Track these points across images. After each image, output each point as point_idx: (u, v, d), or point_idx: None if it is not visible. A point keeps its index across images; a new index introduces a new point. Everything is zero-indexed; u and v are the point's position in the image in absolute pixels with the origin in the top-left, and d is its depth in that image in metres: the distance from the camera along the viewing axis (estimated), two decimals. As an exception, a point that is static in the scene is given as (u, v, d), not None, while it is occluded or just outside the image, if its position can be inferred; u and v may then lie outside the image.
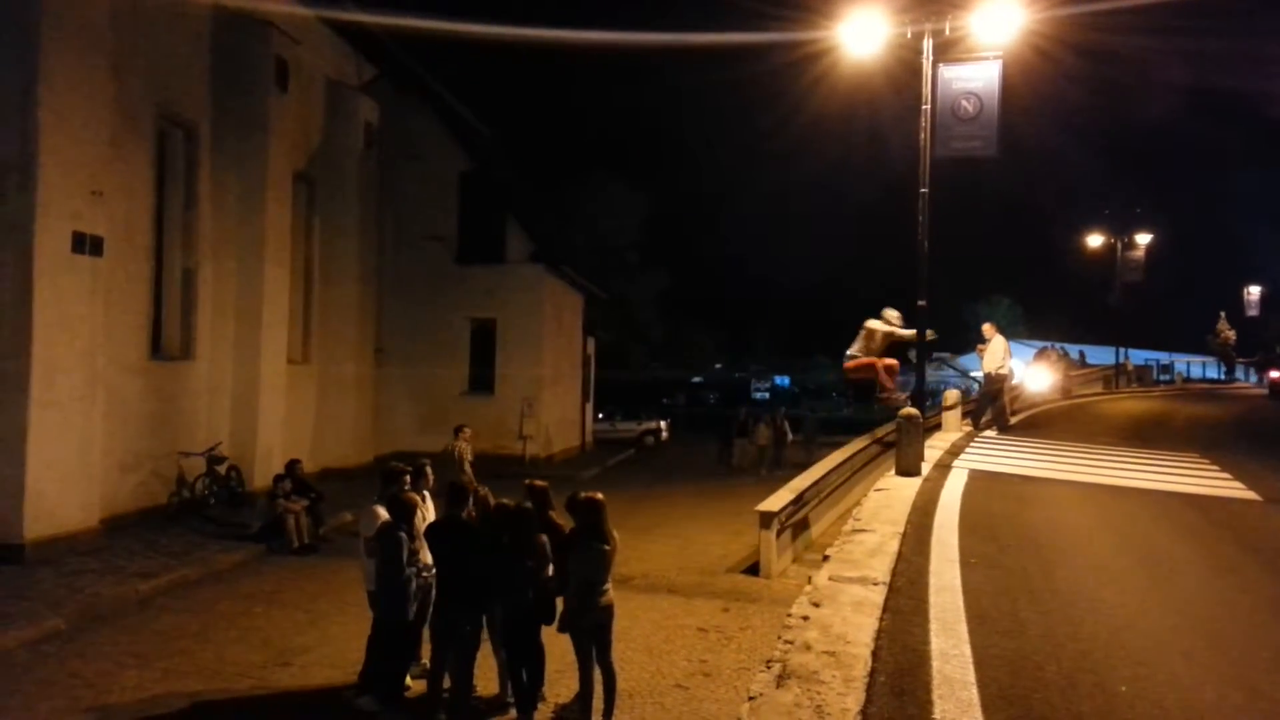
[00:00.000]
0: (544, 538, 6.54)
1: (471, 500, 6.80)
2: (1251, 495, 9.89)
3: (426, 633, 6.73)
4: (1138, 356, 38.97)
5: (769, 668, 3.98)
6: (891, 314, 13.88)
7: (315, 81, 18.05)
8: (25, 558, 10.10)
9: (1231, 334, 42.12)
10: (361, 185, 19.30)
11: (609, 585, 6.47)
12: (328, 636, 8.32)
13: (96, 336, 11.38)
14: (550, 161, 37.88)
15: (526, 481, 7.27)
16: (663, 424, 30.76)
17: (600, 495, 6.77)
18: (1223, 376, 41.62)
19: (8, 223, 10.42)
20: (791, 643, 4.27)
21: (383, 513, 6.80)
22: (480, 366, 21.47)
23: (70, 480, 10.89)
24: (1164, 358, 42.93)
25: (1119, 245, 33.13)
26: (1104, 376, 32.05)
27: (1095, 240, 34.10)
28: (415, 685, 6.80)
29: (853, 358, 14.12)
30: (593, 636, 6.41)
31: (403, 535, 6.51)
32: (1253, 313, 46.48)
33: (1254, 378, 41.24)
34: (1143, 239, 33.32)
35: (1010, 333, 17.57)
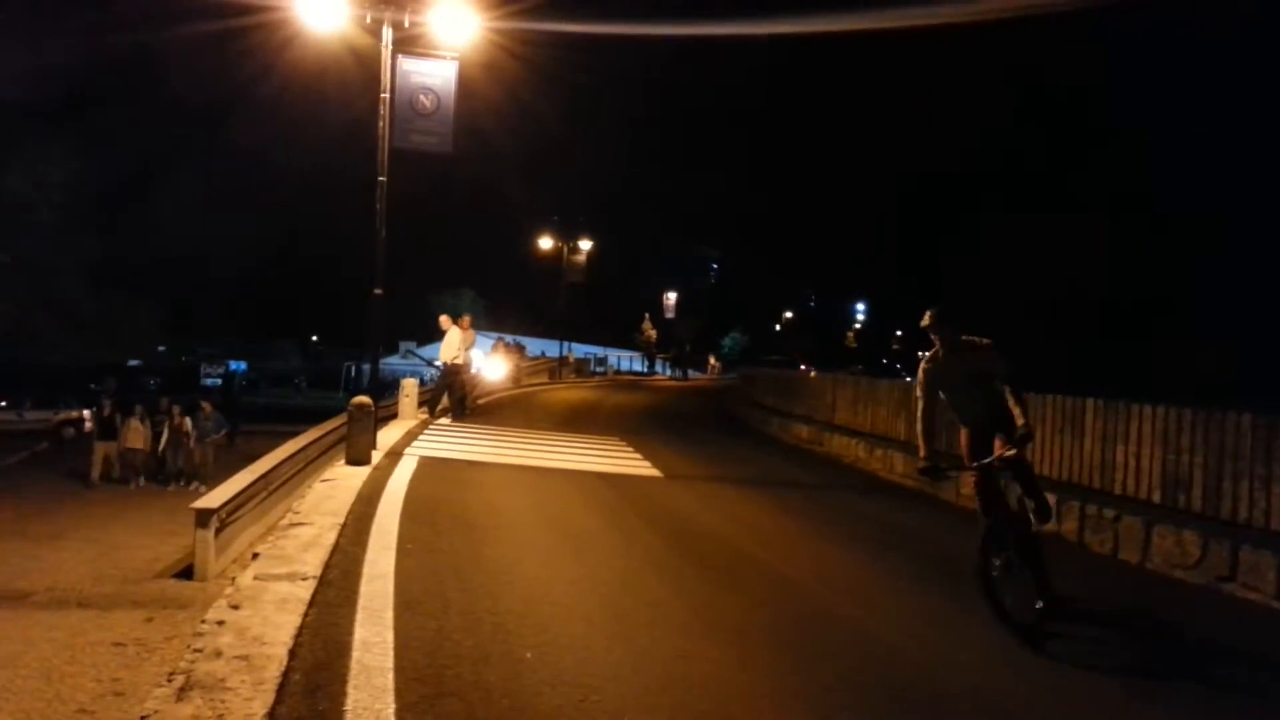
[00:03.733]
0: None
1: None
2: (655, 472, 11.56)
3: None
4: (579, 350, 43.57)
5: (170, 681, 3.64)
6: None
7: None
8: None
9: (654, 333, 49.14)
10: None
11: None
12: None
13: None
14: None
15: None
16: (87, 413, 26.79)
17: None
18: (645, 369, 48.23)
19: None
20: (201, 650, 3.96)
21: None
22: None
23: None
24: (600, 351, 48.48)
25: (565, 249, 36.76)
26: (549, 368, 35.23)
27: (547, 243, 37.46)
28: None
29: None
30: None
31: None
32: (669, 315, 54.79)
33: (669, 370, 48.45)
34: (585, 245, 37.36)
35: (473, 324, 18.50)
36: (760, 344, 69.74)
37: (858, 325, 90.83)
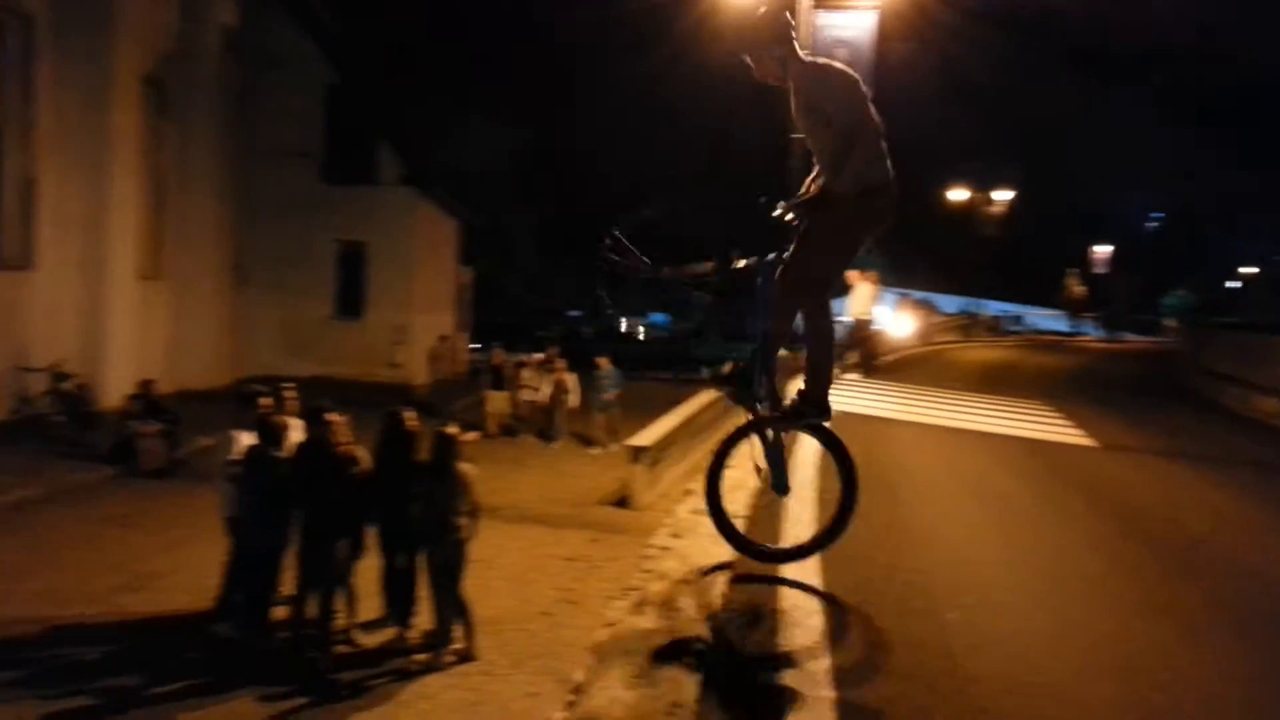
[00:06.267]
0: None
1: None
2: (1088, 441, 10.63)
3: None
4: (993, 307, 41.18)
5: (627, 595, 4.11)
6: None
7: (165, -24, 16.73)
8: None
9: (1080, 289, 44.79)
10: (218, 92, 18.19)
11: (463, 520, 6.51)
12: (183, 562, 8.08)
13: (-78, 241, 10.51)
14: (431, 84, 36.48)
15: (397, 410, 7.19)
16: (537, 356, 30.67)
17: (455, 430, 6.76)
18: (1069, 329, 44.28)
19: None
20: (650, 571, 4.42)
21: (246, 437, 6.61)
22: (348, 291, 20.81)
23: (-106, 395, 10.11)
24: (1015, 309, 45.36)
25: (979, 200, 34.74)
26: (959, 325, 33.72)
27: (958, 194, 35.68)
28: (278, 611, 6.70)
29: None
30: (442, 569, 6.48)
31: (271, 459, 6.37)
32: (1099, 270, 49.55)
33: (1098, 331, 44.03)
34: (1002, 195, 34.99)
35: (878, 280, 18.16)
36: (1212, 304, 60.70)
37: (1345, 283, 75.36)
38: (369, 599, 6.76)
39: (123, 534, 9.06)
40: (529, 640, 6.87)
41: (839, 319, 21.48)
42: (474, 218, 26.66)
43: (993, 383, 17.49)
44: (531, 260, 44.69)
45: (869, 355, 16.96)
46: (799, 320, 4.44)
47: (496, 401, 16.75)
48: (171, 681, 6.00)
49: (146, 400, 12.00)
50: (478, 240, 28.66)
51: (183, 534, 8.95)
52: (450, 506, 6.48)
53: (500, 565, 8.42)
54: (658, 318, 66.19)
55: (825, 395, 4.45)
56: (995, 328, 37.70)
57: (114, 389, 13.83)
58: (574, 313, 56.94)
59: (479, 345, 29.27)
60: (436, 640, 6.55)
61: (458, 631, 6.56)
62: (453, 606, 6.53)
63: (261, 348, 19.79)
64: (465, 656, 6.50)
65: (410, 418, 7.10)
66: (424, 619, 6.77)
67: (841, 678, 3.49)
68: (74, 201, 14.01)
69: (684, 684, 3.26)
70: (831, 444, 4.59)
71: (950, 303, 40.32)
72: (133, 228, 15.09)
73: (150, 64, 16.15)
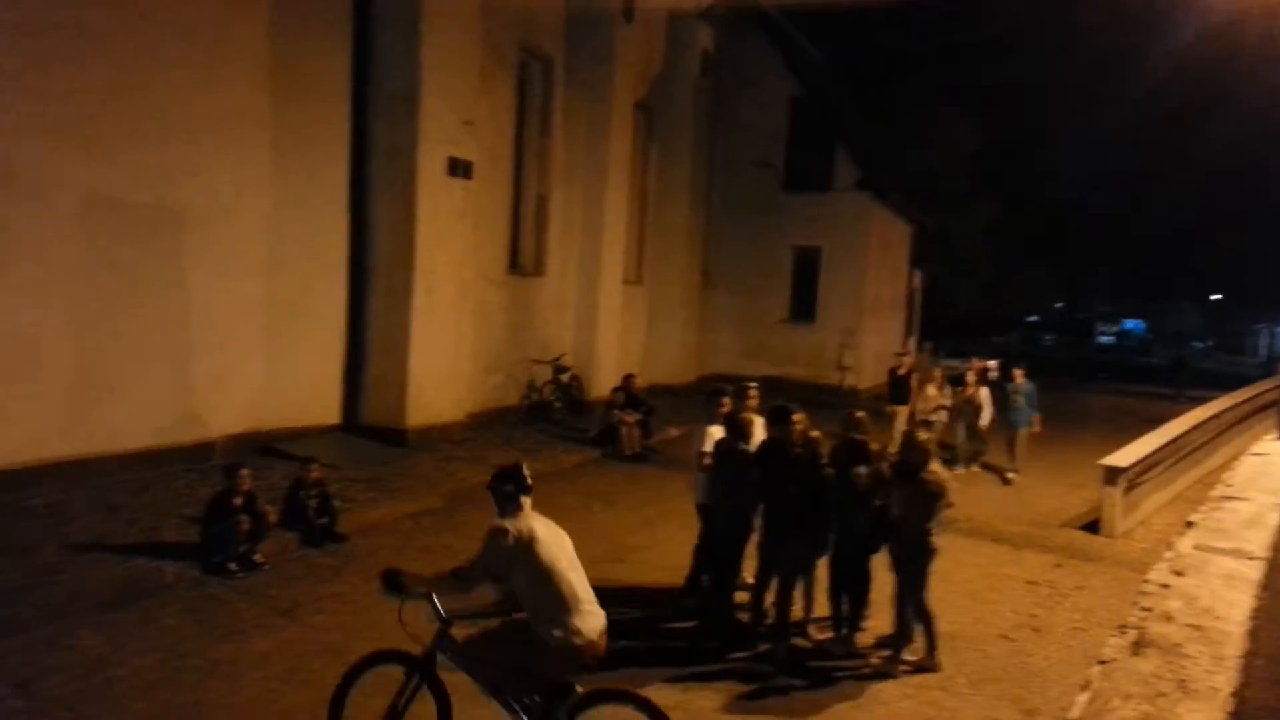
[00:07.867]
0: (862, 471, 6.58)
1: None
2: None
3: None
4: None
5: (1122, 633, 3.75)
6: None
7: (657, 11, 18.44)
8: (407, 442, 11.69)
9: None
10: (695, 113, 19.67)
11: (932, 527, 6.35)
12: (657, 539, 8.91)
13: (466, 251, 12.71)
14: (880, 86, 36.10)
15: (852, 414, 7.27)
16: (991, 364, 29.02)
17: (927, 437, 6.63)
18: None
19: (396, 148, 11.78)
20: (1149, 610, 3.99)
21: (717, 431, 7.09)
22: (802, 295, 21.38)
23: (444, 378, 12.35)
24: None
25: None
26: None
27: None
28: (740, 597, 7.10)
29: None
30: (910, 576, 6.38)
31: (739, 453, 6.77)
32: None
33: None
34: None
35: None
36: None
37: None
38: (824, 596, 6.89)
39: (606, 509, 10.22)
40: (987, 662, 6.54)
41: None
42: (926, 221, 25.99)
43: None
44: (985, 262, 42.45)
45: None
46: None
47: (897, 413, 14.77)
48: (648, 646, 6.64)
49: (627, 392, 13.42)
50: (930, 243, 27.90)
51: (655, 514, 9.88)
52: (921, 513, 6.38)
53: (957, 581, 8.12)
54: (1131, 324, 59.24)
55: None
56: None
57: (600, 381, 15.68)
58: (1032, 317, 52.98)
59: (936, 351, 28.53)
60: (893, 647, 6.50)
61: (918, 642, 6.45)
62: (917, 616, 6.44)
63: (721, 348, 21.16)
64: (923, 668, 6.37)
65: (862, 418, 7.17)
66: (874, 623, 6.77)
67: None
68: (575, 216, 16.08)
69: (1199, 742, 2.89)
70: None
71: None
72: (621, 238, 16.95)
73: (641, 92, 18.01)
